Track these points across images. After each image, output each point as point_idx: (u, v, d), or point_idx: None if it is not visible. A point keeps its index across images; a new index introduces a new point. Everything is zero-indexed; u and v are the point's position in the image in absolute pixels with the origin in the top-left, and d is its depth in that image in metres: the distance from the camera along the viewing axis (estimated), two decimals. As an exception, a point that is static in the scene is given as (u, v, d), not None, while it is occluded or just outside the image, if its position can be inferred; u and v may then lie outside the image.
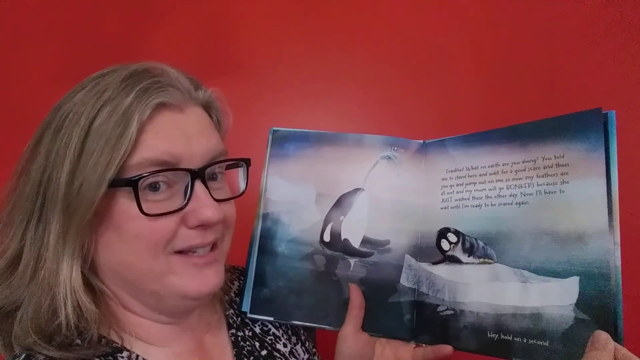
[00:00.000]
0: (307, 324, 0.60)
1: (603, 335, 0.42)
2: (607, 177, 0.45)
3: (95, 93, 0.43)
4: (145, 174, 0.43)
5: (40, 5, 1.12)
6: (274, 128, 0.65)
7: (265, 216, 0.62)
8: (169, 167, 0.44)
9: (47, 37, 1.11)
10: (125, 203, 0.43)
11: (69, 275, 0.43)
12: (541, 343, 0.47)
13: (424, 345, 0.57)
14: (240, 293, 0.61)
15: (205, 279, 0.47)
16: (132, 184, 0.42)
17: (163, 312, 0.50)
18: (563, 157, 0.48)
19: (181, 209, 0.44)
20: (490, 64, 1.07)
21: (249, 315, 0.59)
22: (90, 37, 1.10)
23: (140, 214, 0.42)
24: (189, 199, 0.44)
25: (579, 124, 0.48)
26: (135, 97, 0.42)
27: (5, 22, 1.11)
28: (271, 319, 0.60)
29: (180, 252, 0.46)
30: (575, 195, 0.47)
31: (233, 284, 0.64)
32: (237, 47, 1.09)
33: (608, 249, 0.44)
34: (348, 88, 1.09)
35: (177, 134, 0.45)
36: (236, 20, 1.10)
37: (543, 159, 0.50)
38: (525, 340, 0.48)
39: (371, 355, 0.59)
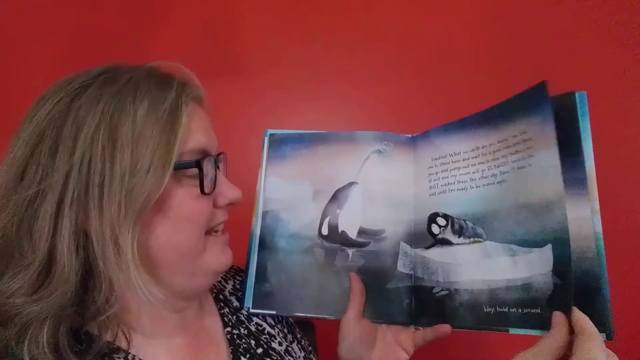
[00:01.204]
0: (309, 315, 0.62)
1: (557, 317, 0.44)
2: (578, 150, 0.48)
3: (125, 86, 0.45)
4: (209, 156, 0.49)
5: (40, 5, 1.13)
6: (270, 131, 0.69)
7: (265, 214, 0.66)
8: (205, 155, 0.49)
9: (46, 37, 1.12)
10: (175, 187, 0.46)
11: (136, 266, 0.43)
12: (534, 311, 0.49)
13: (422, 328, 0.58)
14: (242, 290, 0.64)
15: (227, 255, 0.53)
16: (198, 164, 0.47)
17: (180, 295, 0.52)
18: (526, 132, 0.51)
19: (212, 191, 0.50)
20: (490, 63, 1.09)
21: (251, 310, 0.62)
22: (90, 37, 1.11)
23: (195, 195, 0.47)
24: (215, 183, 0.50)
25: (532, 100, 0.51)
26: (176, 91, 0.47)
27: (6, 22, 1.12)
28: (273, 312, 0.62)
29: (206, 234, 0.51)
30: (539, 167, 0.49)
31: (227, 283, 0.66)
32: (236, 47, 1.12)
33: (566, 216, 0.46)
34: (348, 88, 1.11)
35: (206, 126, 0.51)
36: (236, 20, 1.12)
37: (512, 137, 0.52)
38: (520, 310, 0.50)
39: (373, 341, 0.60)
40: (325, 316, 0.61)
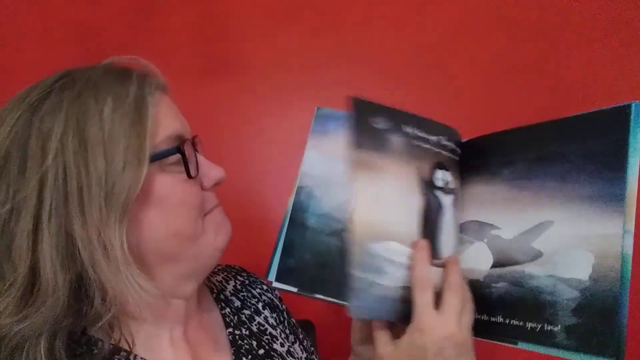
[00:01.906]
0: (329, 299, 0.60)
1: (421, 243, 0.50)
2: (622, 165, 0.46)
3: (84, 87, 0.44)
4: (187, 140, 0.49)
5: (40, 5, 1.12)
6: (318, 107, 0.69)
7: (299, 189, 0.66)
8: (183, 140, 0.49)
9: (46, 38, 1.12)
10: (161, 177, 0.46)
11: (127, 265, 0.43)
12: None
13: None
14: (269, 262, 0.63)
15: (227, 228, 0.54)
16: (180, 151, 0.47)
17: (190, 279, 0.52)
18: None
19: (197, 174, 0.50)
20: (490, 64, 1.07)
21: (273, 283, 0.61)
22: (90, 37, 1.11)
23: (183, 180, 0.47)
24: (197, 166, 0.50)
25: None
26: (137, 83, 0.46)
27: (6, 22, 1.12)
28: (295, 289, 0.61)
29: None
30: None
31: (228, 284, 0.66)
32: (235, 47, 1.11)
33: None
34: (348, 88, 1.10)
35: (176, 112, 0.51)
36: (235, 20, 1.12)
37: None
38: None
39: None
40: (345, 303, 0.59)
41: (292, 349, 0.63)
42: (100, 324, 0.43)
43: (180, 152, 0.47)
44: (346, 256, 0.53)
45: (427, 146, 0.58)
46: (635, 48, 1.01)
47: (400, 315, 0.52)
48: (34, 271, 0.42)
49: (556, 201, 0.52)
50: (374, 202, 0.54)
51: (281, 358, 0.59)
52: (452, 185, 0.59)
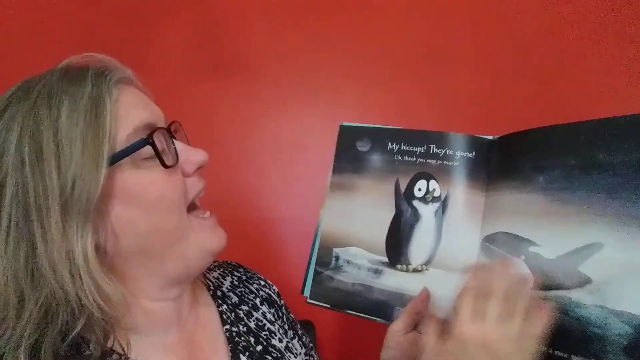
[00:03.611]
0: (361, 314, 0.63)
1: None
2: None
3: (38, 97, 0.43)
4: (158, 129, 0.46)
5: (40, 5, 1.12)
6: (344, 123, 0.68)
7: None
8: (153, 129, 0.46)
9: (47, 38, 1.11)
10: (135, 174, 0.44)
11: (89, 273, 0.41)
12: None
13: None
14: (304, 279, 0.66)
15: (221, 234, 0.51)
16: (148, 142, 0.44)
17: (176, 281, 0.51)
18: None
19: (176, 162, 0.47)
20: (491, 64, 1.04)
21: (308, 300, 0.64)
22: (90, 37, 1.11)
23: (160, 172, 0.45)
24: (176, 152, 0.48)
25: None
26: (92, 82, 0.44)
27: (6, 22, 1.11)
28: (328, 306, 0.64)
29: (190, 212, 0.49)
30: None
31: (225, 280, 0.64)
32: (236, 47, 1.10)
33: None
34: (348, 88, 1.07)
35: (142, 102, 0.48)
36: (235, 20, 1.10)
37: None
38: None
39: (417, 353, 0.57)
40: (378, 320, 0.62)
41: (290, 345, 0.62)
42: (74, 333, 0.41)
43: (148, 143, 0.44)
44: (311, 254, 0.66)
45: (411, 158, 0.61)
46: (635, 48, 0.98)
47: (353, 306, 0.63)
48: None
49: (604, 220, 0.44)
50: (342, 215, 0.65)
51: (280, 354, 0.58)
52: (436, 194, 0.60)
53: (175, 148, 0.47)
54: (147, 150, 0.44)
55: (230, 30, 1.11)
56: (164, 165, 0.45)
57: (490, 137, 0.58)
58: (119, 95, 0.45)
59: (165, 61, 1.03)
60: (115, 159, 0.43)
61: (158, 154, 0.44)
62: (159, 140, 0.45)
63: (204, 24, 1.11)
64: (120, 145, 0.43)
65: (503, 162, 0.55)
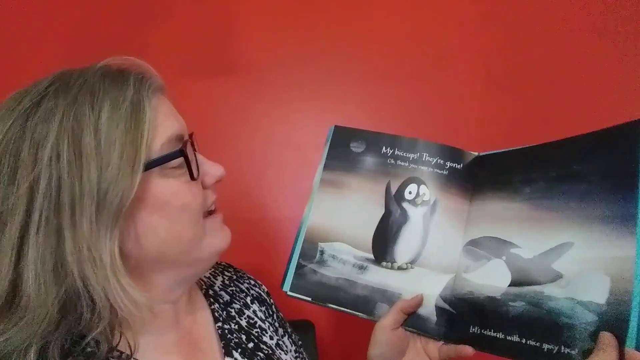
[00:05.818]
0: (343, 309, 0.63)
1: (606, 336, 0.42)
2: (634, 184, 0.46)
3: (79, 93, 0.43)
4: (187, 141, 0.48)
5: (41, 6, 1.12)
6: (336, 125, 0.71)
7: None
8: (185, 141, 0.48)
9: (48, 38, 1.11)
10: (162, 182, 0.45)
11: (114, 274, 0.42)
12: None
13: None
14: (284, 272, 0.65)
15: (226, 233, 0.54)
16: (182, 153, 0.46)
17: (181, 283, 0.52)
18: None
19: (199, 174, 0.49)
20: (491, 65, 1.07)
21: (288, 293, 0.64)
22: (90, 37, 1.11)
23: (185, 183, 0.47)
24: (197, 165, 0.50)
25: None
26: (134, 86, 0.45)
27: (6, 22, 1.11)
28: (309, 299, 0.64)
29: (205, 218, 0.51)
30: None
31: (216, 279, 0.66)
32: (236, 47, 1.12)
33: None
34: (348, 88, 1.10)
35: (174, 113, 0.50)
36: (237, 20, 1.12)
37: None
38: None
39: (405, 348, 0.62)
40: (359, 314, 0.63)
41: (281, 342, 0.64)
42: (93, 334, 0.42)
43: (183, 155, 0.46)
44: (294, 247, 0.66)
45: (404, 163, 0.65)
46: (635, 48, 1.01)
47: (335, 300, 0.63)
48: (15, 287, 0.40)
49: (576, 222, 0.51)
50: (330, 211, 0.66)
51: (270, 350, 0.59)
52: (425, 198, 0.64)
53: (197, 160, 0.50)
54: (177, 160, 0.46)
55: (230, 30, 1.11)
56: (192, 177, 0.47)
57: (476, 153, 0.65)
58: (156, 104, 0.47)
59: (165, 61, 1.04)
60: (150, 166, 0.44)
61: (189, 166, 0.46)
62: (189, 152, 0.48)
63: (204, 24, 1.12)
64: (155, 153, 0.45)
65: (492, 176, 0.61)
